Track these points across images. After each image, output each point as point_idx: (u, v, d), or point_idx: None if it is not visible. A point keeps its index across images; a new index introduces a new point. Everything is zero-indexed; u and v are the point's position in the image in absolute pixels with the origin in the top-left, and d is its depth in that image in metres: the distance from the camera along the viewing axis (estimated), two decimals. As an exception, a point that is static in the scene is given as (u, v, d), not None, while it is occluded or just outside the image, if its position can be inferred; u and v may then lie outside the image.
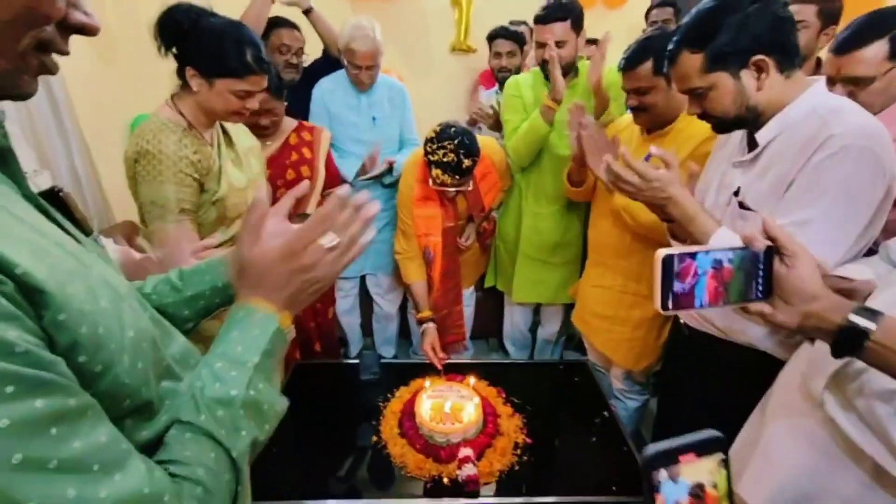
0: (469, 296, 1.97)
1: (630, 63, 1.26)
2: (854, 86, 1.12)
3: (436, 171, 1.40)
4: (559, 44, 1.54)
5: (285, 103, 1.59)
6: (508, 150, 1.71)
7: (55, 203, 0.45)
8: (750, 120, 0.90)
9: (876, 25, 1.09)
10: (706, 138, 1.23)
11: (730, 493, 0.43)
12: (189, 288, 0.63)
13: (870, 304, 0.69)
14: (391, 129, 1.93)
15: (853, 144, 0.78)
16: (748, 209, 0.93)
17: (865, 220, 0.81)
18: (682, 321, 1.16)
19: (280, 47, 1.79)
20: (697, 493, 0.42)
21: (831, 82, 1.14)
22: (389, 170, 1.84)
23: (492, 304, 2.18)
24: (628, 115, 1.43)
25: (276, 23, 1.77)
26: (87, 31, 0.39)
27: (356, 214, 0.51)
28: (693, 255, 0.56)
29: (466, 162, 1.38)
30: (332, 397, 1.36)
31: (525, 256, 1.84)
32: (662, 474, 0.41)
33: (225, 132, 1.23)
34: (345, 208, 0.50)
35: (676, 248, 0.56)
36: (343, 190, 0.51)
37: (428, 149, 1.40)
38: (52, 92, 1.83)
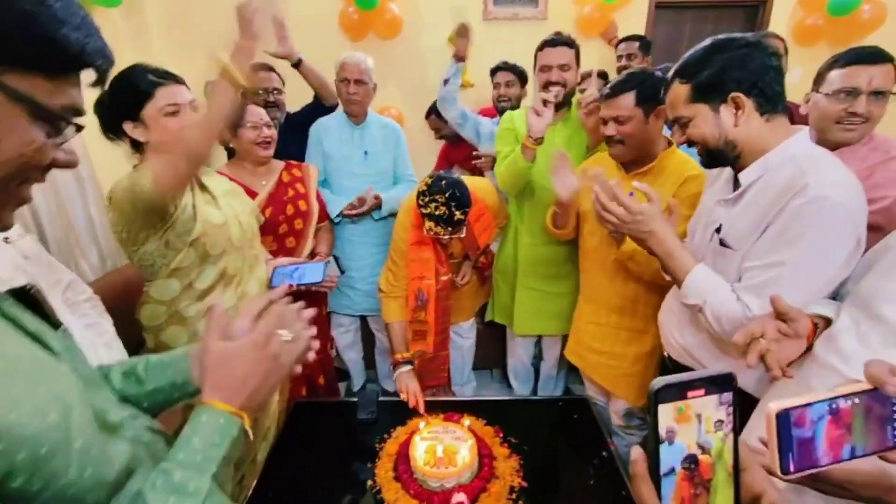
0: (469, 328, 1.96)
1: (614, 91, 1.30)
2: None
3: (428, 224, 1.41)
4: (564, 67, 1.60)
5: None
6: (497, 179, 1.73)
7: (27, 299, 0.48)
8: (728, 154, 0.93)
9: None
10: (686, 179, 1.26)
11: (735, 451, 0.42)
12: (151, 381, 0.65)
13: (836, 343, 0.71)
14: (383, 163, 1.98)
15: (826, 196, 0.80)
16: (728, 247, 0.94)
17: (834, 270, 0.82)
18: (665, 353, 1.15)
19: (258, 89, 1.87)
20: (690, 465, 0.41)
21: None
22: (377, 205, 1.88)
23: (495, 334, 2.17)
24: (605, 155, 1.47)
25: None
26: (68, 166, 0.43)
27: (298, 315, 0.59)
28: (809, 405, 0.49)
29: (458, 214, 1.38)
30: (329, 437, 1.36)
31: (524, 287, 1.84)
32: (662, 431, 0.40)
33: (198, 180, 1.26)
34: (289, 311, 0.58)
35: (789, 402, 0.48)
36: (284, 301, 0.59)
37: (420, 202, 1.42)
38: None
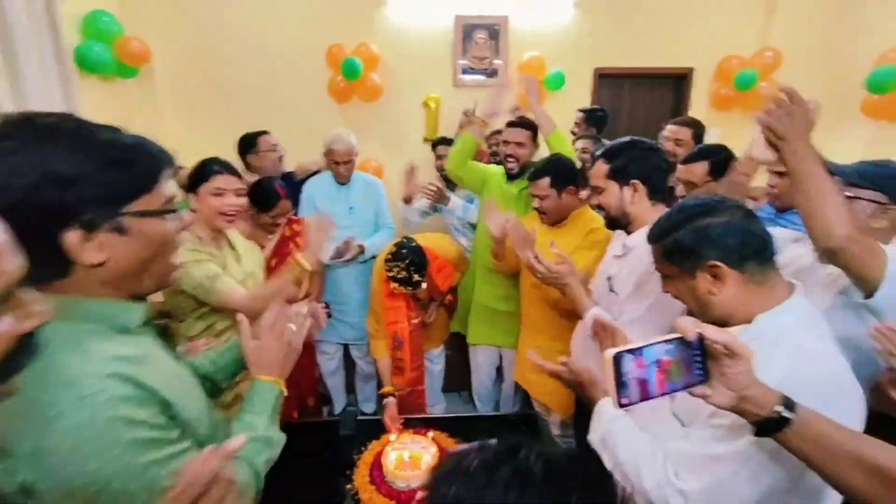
0: (438, 354, 2.26)
1: (534, 176, 1.72)
2: (689, 188, 1.68)
3: (393, 284, 1.74)
4: (519, 144, 2.03)
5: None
6: (449, 158, 2.18)
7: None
8: (623, 222, 1.30)
9: (703, 152, 1.65)
10: (590, 230, 1.69)
11: None
12: (220, 361, 0.95)
13: None
14: (366, 216, 2.34)
15: None
16: (613, 291, 1.30)
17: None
18: None
19: (271, 148, 2.27)
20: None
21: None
22: (360, 252, 2.22)
23: (463, 361, 2.46)
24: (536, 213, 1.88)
25: (258, 133, 2.30)
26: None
27: (295, 313, 0.89)
28: (639, 351, 0.63)
29: (416, 277, 1.71)
30: (316, 451, 1.60)
31: (478, 304, 2.19)
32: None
33: (231, 245, 1.57)
34: (290, 310, 0.89)
35: (622, 347, 0.64)
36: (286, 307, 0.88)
37: (386, 266, 1.74)
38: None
